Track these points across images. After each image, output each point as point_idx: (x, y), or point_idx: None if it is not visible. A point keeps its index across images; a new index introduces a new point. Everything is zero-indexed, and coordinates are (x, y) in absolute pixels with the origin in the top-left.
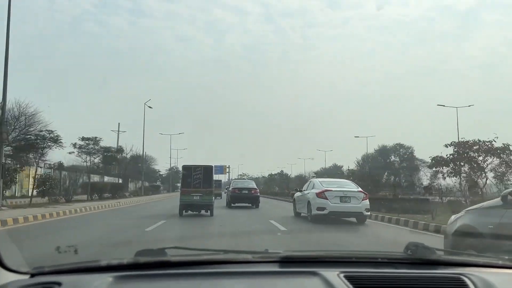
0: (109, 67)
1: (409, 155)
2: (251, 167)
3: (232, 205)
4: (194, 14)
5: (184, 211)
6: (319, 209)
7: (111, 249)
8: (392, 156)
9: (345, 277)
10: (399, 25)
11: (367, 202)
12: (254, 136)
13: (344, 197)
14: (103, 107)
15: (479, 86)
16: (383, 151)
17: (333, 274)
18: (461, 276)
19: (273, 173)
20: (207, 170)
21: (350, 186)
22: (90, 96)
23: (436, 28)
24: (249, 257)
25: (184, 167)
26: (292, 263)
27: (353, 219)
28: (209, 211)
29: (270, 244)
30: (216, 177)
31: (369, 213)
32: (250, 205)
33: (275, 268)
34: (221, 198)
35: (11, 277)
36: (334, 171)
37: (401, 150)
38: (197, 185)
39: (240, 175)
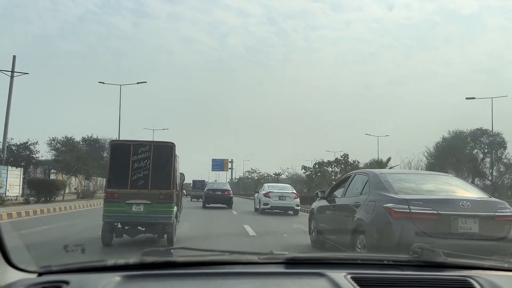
0: (112, 68)
1: (498, 144)
2: (263, 163)
3: (207, 205)
4: (196, 16)
5: (114, 235)
6: (264, 204)
7: (117, 248)
8: (471, 144)
9: (352, 278)
10: (402, 29)
11: (298, 200)
12: (259, 136)
13: (282, 196)
14: (104, 108)
15: (482, 91)
16: (459, 139)
17: (340, 276)
18: (468, 279)
19: (325, 160)
20: (161, 152)
21: (287, 189)
22: (90, 96)
23: (439, 32)
24: (254, 258)
25: (115, 145)
26: (298, 264)
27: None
28: (165, 235)
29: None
30: (215, 175)
31: (299, 207)
32: (225, 205)
33: (280, 269)
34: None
35: (19, 275)
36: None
37: (482, 138)
38: (139, 181)
39: (248, 171)
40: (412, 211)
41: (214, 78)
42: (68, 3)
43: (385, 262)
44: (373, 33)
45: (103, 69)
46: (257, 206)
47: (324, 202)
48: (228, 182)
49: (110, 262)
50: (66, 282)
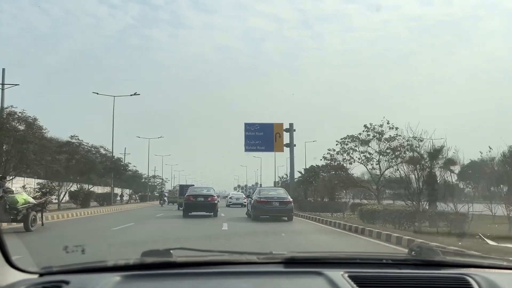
0: (152, 79)
1: None
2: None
3: (189, 214)
4: (230, 24)
5: None
6: (230, 202)
7: (117, 249)
8: None
9: (350, 277)
10: (442, 25)
11: (245, 200)
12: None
13: (237, 198)
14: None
15: None
16: None
17: (338, 274)
18: (465, 277)
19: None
20: None
21: (240, 194)
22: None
23: (482, 27)
24: (253, 258)
25: None
26: (297, 263)
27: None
28: None
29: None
30: (254, 172)
31: (246, 203)
32: (210, 214)
33: (279, 268)
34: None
35: (20, 276)
36: None
37: None
38: None
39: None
40: (261, 200)
41: (248, 84)
42: (108, 18)
43: (384, 261)
44: (412, 32)
45: (141, 80)
46: (226, 203)
47: (249, 198)
48: (285, 180)
49: (110, 262)
50: (67, 282)
